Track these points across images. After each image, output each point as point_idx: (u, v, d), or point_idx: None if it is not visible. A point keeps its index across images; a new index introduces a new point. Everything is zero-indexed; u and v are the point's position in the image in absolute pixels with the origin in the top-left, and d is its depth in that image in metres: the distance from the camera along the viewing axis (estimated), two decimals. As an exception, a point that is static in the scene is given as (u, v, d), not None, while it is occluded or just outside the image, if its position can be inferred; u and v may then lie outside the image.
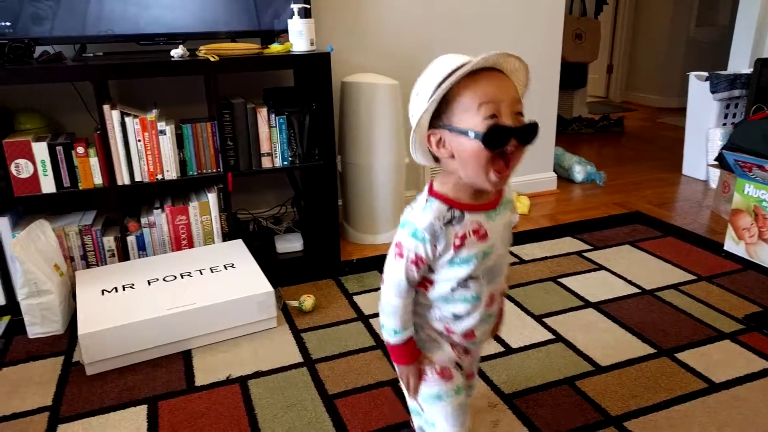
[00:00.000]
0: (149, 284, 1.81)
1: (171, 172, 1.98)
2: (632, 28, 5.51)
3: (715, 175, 2.86)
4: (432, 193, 0.94)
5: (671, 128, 4.42)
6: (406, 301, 0.98)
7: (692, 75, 3.09)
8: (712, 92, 2.93)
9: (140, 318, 1.62)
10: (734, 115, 2.99)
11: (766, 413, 1.37)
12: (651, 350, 1.64)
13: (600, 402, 1.43)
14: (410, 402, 1.09)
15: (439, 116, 0.88)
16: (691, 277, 2.07)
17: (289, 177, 2.45)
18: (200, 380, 1.56)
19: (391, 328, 1.00)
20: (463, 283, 0.96)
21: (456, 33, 2.62)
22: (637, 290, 1.98)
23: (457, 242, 0.92)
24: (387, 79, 2.28)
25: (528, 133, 0.86)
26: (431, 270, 0.96)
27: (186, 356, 1.66)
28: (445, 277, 0.96)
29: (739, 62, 3.13)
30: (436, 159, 0.93)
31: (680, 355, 1.61)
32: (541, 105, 2.90)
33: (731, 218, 2.23)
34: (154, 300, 1.72)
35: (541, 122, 0.89)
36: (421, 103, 0.89)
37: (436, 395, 1.03)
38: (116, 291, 1.78)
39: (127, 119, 1.89)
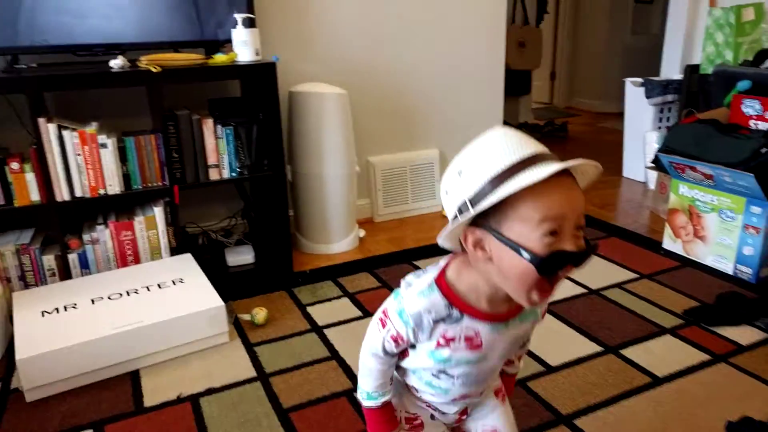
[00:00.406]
0: (93, 303, 1.75)
1: (114, 186, 1.92)
2: (572, 36, 5.71)
3: (652, 176, 2.98)
4: (439, 280, 0.82)
5: (612, 132, 4.59)
6: (382, 367, 0.89)
7: (628, 81, 3.22)
8: (647, 97, 3.06)
9: (83, 339, 1.56)
10: (668, 119, 3.13)
11: (707, 405, 1.43)
12: (598, 348, 1.69)
13: (551, 401, 1.46)
14: None
15: (484, 214, 0.73)
16: (634, 275, 2.15)
17: (238, 188, 2.41)
18: (149, 401, 1.51)
19: (365, 390, 0.91)
20: (435, 373, 0.88)
21: (401, 41, 2.65)
22: (584, 290, 2.04)
23: (441, 342, 0.82)
24: (335, 88, 2.28)
25: (586, 257, 0.73)
26: (412, 346, 0.87)
27: (134, 376, 1.61)
28: (418, 357, 0.87)
29: (671, 68, 3.28)
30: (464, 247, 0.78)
31: (625, 352, 1.67)
32: (487, 112, 2.97)
33: (668, 218, 2.33)
34: (98, 319, 1.65)
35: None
36: (463, 187, 0.74)
37: None
38: (57, 312, 1.70)
39: (65, 133, 1.82)
